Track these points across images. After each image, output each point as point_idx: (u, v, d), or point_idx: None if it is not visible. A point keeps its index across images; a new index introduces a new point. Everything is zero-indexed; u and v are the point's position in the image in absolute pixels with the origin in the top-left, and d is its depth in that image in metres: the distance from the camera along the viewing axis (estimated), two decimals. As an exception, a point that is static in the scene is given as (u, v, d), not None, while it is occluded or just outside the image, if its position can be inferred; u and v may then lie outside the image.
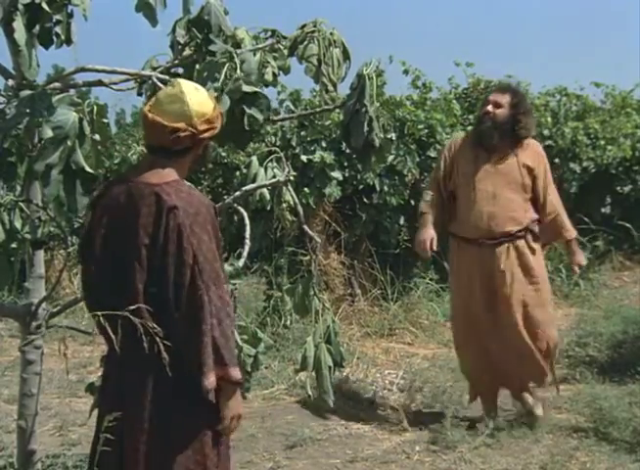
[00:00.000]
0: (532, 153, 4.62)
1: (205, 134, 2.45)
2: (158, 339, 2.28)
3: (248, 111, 2.73)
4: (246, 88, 2.71)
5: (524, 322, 4.57)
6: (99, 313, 2.38)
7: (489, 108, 4.52)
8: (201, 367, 2.32)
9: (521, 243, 4.58)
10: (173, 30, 3.05)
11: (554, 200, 4.70)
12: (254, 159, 3.38)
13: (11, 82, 2.76)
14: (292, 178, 3.25)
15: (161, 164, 2.46)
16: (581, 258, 4.84)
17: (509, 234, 4.54)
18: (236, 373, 2.40)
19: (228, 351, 2.38)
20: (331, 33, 3.16)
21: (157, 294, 2.38)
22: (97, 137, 2.61)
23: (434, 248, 4.65)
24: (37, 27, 2.70)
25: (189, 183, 2.61)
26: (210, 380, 2.34)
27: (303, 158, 6.91)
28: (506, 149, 4.55)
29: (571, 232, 4.75)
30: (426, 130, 7.43)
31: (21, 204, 2.86)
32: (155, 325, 2.32)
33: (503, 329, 4.58)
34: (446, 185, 4.68)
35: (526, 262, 4.57)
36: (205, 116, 2.44)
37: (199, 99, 2.45)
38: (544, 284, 4.71)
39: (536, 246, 4.65)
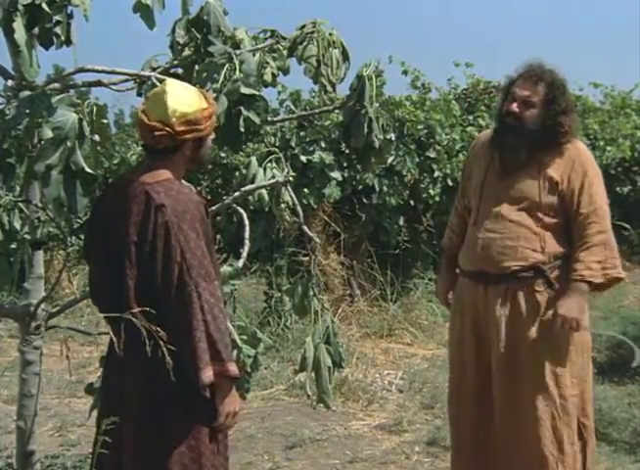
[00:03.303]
0: (565, 161, 3.21)
1: (186, 136, 2.44)
2: (151, 338, 2.29)
3: (245, 113, 2.73)
4: (244, 90, 2.71)
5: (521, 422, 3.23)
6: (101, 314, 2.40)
7: (514, 107, 3.21)
8: (196, 363, 2.33)
9: (524, 291, 3.21)
10: (173, 31, 3.05)
11: (590, 228, 3.19)
12: (254, 159, 3.38)
13: (10, 83, 2.76)
14: (291, 179, 3.25)
15: (156, 163, 2.49)
16: (568, 310, 3.14)
17: (506, 273, 3.21)
18: (233, 368, 2.41)
19: (224, 346, 2.39)
20: (330, 34, 3.16)
21: (147, 291, 2.40)
22: (97, 138, 2.61)
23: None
24: (37, 28, 2.69)
25: (185, 182, 2.63)
26: (207, 375, 2.35)
27: (303, 158, 6.92)
28: (528, 153, 3.22)
29: (581, 272, 3.17)
30: (425, 131, 7.43)
31: (20, 204, 2.86)
32: (148, 323, 2.34)
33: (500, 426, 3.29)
34: (465, 202, 3.51)
35: (532, 323, 3.21)
36: (185, 116, 2.42)
37: (181, 99, 2.44)
38: (564, 364, 3.22)
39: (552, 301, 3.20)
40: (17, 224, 2.85)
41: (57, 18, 2.70)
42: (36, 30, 2.69)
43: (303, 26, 3.18)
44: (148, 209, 2.41)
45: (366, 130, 2.98)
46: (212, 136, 2.57)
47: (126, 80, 3.02)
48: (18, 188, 2.99)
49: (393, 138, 6.96)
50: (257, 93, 2.75)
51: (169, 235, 2.37)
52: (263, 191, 3.45)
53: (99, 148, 2.64)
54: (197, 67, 2.94)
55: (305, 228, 3.23)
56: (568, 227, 3.26)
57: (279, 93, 7.24)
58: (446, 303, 3.66)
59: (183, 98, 2.45)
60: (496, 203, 3.27)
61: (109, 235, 2.49)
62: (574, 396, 3.26)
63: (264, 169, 3.34)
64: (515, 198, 3.24)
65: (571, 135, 3.25)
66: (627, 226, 9.30)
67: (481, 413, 3.33)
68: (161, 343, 2.27)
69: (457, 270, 3.53)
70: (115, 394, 2.52)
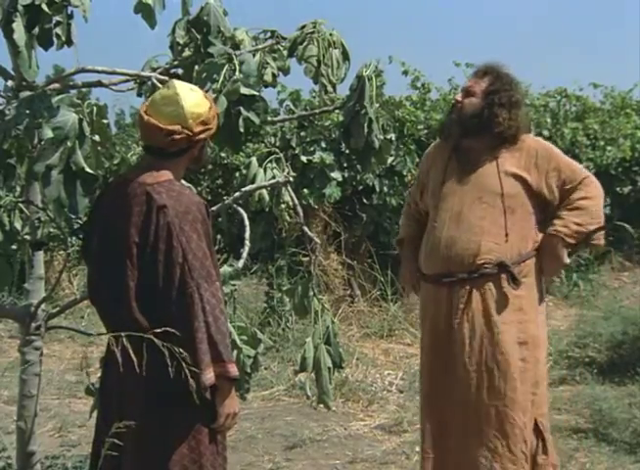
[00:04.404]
0: (523, 154, 3.27)
1: (201, 135, 2.47)
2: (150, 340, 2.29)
3: (244, 113, 2.73)
4: (244, 90, 2.71)
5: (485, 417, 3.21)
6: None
7: (458, 97, 3.34)
8: (198, 364, 2.33)
9: (489, 287, 3.22)
10: (173, 31, 3.05)
11: (575, 193, 3.25)
12: (254, 159, 3.38)
13: (10, 83, 2.76)
14: (291, 179, 3.24)
15: (158, 164, 2.49)
16: (554, 271, 3.42)
17: (471, 269, 3.21)
18: (234, 369, 2.41)
19: (225, 347, 2.39)
20: (330, 34, 3.16)
21: (148, 292, 2.40)
22: (97, 138, 2.61)
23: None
24: (37, 29, 2.69)
25: (185, 183, 2.63)
26: (208, 376, 2.35)
27: (303, 158, 6.92)
28: (483, 151, 3.27)
29: (557, 227, 3.25)
30: (425, 131, 7.44)
31: (20, 205, 2.86)
32: (148, 326, 2.35)
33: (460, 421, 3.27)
34: (419, 206, 3.53)
35: (496, 321, 3.21)
36: (200, 117, 2.44)
37: (194, 100, 2.45)
38: (532, 362, 3.25)
39: (521, 298, 3.24)
40: (17, 225, 2.85)
41: (57, 18, 2.70)
42: (36, 31, 2.69)
43: (304, 27, 3.18)
44: (149, 210, 2.40)
45: (366, 131, 2.98)
46: None
47: (126, 81, 3.02)
48: (18, 188, 2.99)
49: (394, 138, 6.97)
50: (257, 94, 2.75)
51: (171, 236, 2.37)
52: (264, 191, 3.45)
53: (99, 148, 2.64)
54: (197, 67, 2.94)
55: (306, 228, 3.23)
56: (537, 219, 3.28)
57: (279, 93, 7.25)
58: (414, 287, 3.56)
59: (195, 99, 2.46)
60: (457, 200, 3.27)
61: (108, 235, 2.49)
62: (535, 394, 3.25)
63: (265, 170, 3.34)
64: (476, 193, 3.26)
65: (513, 130, 3.26)
66: (627, 226, 9.30)
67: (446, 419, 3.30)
68: (162, 344, 2.27)
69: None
70: (115, 395, 2.52)
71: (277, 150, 3.51)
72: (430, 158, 3.53)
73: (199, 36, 2.96)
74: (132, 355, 2.23)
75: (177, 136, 2.42)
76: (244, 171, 6.02)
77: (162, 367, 2.27)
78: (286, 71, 3.23)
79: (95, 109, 2.61)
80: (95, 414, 2.70)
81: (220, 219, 7.26)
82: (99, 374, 2.71)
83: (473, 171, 3.28)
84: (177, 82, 2.52)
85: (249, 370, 2.94)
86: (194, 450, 2.45)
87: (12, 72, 2.76)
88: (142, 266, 2.41)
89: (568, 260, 3.31)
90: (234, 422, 2.51)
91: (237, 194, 3.19)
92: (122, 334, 2.26)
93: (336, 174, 6.97)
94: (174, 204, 2.40)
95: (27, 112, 2.51)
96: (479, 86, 3.30)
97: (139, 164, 2.67)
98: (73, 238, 6.67)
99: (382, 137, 3.01)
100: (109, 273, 2.48)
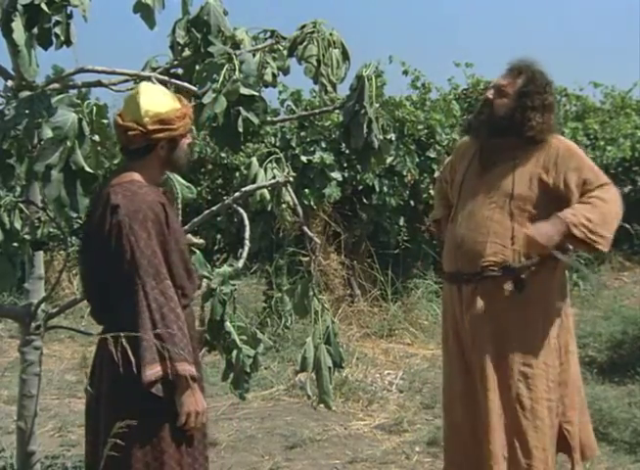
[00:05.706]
0: (544, 153, 3.17)
1: (159, 134, 2.50)
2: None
3: (244, 113, 2.73)
4: (243, 91, 2.71)
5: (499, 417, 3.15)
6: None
7: (490, 94, 3.24)
8: (140, 360, 2.35)
9: (493, 290, 3.16)
10: (173, 31, 3.05)
11: (592, 192, 3.13)
12: (254, 159, 3.38)
13: (10, 83, 2.76)
14: (291, 179, 3.25)
15: (129, 166, 2.57)
16: (537, 232, 3.05)
17: (476, 270, 3.16)
18: (184, 367, 2.41)
19: (173, 345, 2.40)
20: (330, 34, 3.16)
21: (107, 290, 2.48)
22: (97, 138, 2.62)
23: None
24: (36, 28, 2.69)
25: (184, 182, 2.68)
26: (148, 374, 2.37)
27: (303, 158, 6.92)
28: (506, 151, 3.20)
29: (566, 213, 3.08)
30: (425, 131, 7.43)
31: (20, 205, 2.86)
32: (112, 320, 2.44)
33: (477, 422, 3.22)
34: (448, 192, 3.51)
35: (496, 326, 3.16)
36: (157, 116, 2.48)
37: (154, 99, 2.50)
38: (536, 370, 3.16)
39: (528, 303, 3.15)
40: (17, 225, 2.85)
41: (56, 18, 2.70)
42: (35, 30, 2.69)
43: (303, 26, 3.18)
44: (105, 209, 2.48)
45: (365, 131, 2.97)
46: (189, 140, 2.61)
47: (126, 81, 3.02)
48: (18, 188, 3.00)
49: (393, 138, 6.97)
50: (256, 94, 2.75)
51: (121, 235, 2.43)
52: (265, 191, 3.45)
53: (99, 148, 2.65)
54: (197, 67, 2.94)
55: (306, 228, 3.24)
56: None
57: (280, 93, 7.24)
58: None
59: (156, 99, 2.51)
60: (472, 200, 3.23)
61: (85, 235, 2.64)
62: (551, 400, 3.18)
63: (265, 170, 3.34)
64: (488, 193, 3.20)
65: (544, 134, 3.18)
66: (628, 226, 9.29)
67: (468, 418, 3.25)
68: (116, 342, 2.26)
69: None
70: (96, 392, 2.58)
71: (277, 150, 3.51)
72: (460, 151, 3.47)
73: (199, 36, 2.96)
74: (108, 354, 2.26)
75: (131, 132, 2.47)
76: (244, 171, 6.02)
77: (126, 365, 2.28)
78: (286, 71, 3.23)
79: (95, 109, 2.62)
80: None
81: (220, 219, 7.27)
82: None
83: (491, 171, 3.23)
84: (145, 83, 2.61)
85: (248, 370, 2.95)
86: (155, 447, 2.47)
87: (12, 72, 2.76)
88: (102, 265, 2.48)
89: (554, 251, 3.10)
90: (199, 421, 2.50)
91: (237, 194, 3.20)
92: (112, 335, 2.29)
93: (336, 174, 6.97)
94: (127, 203, 2.45)
95: (27, 112, 2.51)
96: (512, 87, 3.19)
97: (120, 166, 2.76)
98: (73, 238, 6.67)
99: (381, 137, 3.01)
100: (88, 273, 2.60)
